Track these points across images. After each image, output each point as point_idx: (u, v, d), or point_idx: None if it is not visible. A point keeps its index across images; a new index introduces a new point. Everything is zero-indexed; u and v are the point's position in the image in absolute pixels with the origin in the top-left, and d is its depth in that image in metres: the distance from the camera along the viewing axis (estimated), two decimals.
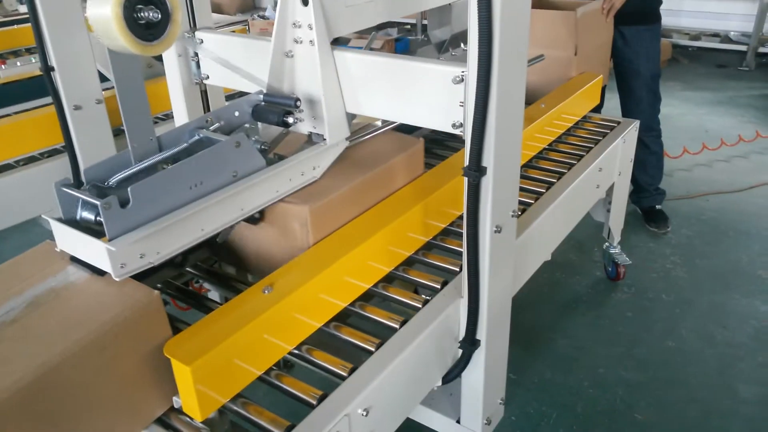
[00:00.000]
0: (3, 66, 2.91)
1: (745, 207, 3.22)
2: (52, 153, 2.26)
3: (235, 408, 1.12)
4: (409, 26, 7.40)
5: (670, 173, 3.51)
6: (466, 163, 1.22)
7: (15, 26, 3.44)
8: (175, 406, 1.11)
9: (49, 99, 2.33)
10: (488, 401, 1.51)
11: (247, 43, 1.58)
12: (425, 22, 6.69)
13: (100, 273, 1.09)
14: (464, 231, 1.29)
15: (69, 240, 1.11)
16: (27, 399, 0.89)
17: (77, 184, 2.23)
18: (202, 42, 1.65)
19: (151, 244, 1.09)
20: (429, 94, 1.29)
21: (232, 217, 1.24)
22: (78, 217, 1.12)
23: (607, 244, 2.57)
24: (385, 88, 1.36)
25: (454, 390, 1.60)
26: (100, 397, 0.99)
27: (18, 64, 3.01)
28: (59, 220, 1.11)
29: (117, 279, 1.05)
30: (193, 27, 1.68)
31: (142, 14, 1.02)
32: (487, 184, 1.24)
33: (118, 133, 2.34)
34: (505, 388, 1.60)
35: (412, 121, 1.37)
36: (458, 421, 1.55)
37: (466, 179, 1.24)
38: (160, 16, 1.04)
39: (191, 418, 1.09)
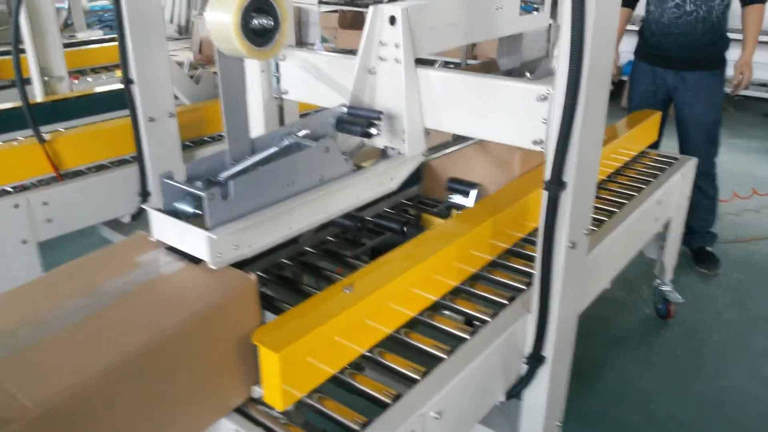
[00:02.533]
0: (76, 81, 3.06)
1: None
2: (120, 163, 2.36)
3: (311, 402, 1.15)
4: (452, 65, 7.52)
5: (720, 217, 3.48)
6: (547, 177, 1.25)
7: (83, 47, 3.63)
8: (254, 396, 1.14)
9: (117, 113, 2.46)
10: (548, 422, 1.51)
11: (329, 60, 1.65)
12: (470, 61, 6.81)
13: (195, 262, 1.14)
14: (539, 244, 1.31)
15: (167, 230, 1.17)
16: (111, 383, 0.91)
17: (144, 192, 2.34)
18: (284, 58, 1.73)
19: (246, 236, 1.14)
20: (511, 112, 1.34)
21: (316, 218, 1.29)
22: (176, 209, 1.18)
23: (658, 281, 2.56)
24: (466, 105, 1.41)
25: (511, 412, 1.60)
26: (184, 384, 1.02)
27: (89, 80, 3.17)
28: (159, 210, 1.17)
29: (214, 267, 1.10)
30: None
31: (256, 21, 1.09)
32: (566, 199, 1.27)
33: (184, 147, 2.44)
34: (563, 411, 1.59)
35: (491, 137, 1.41)
36: None
37: (545, 193, 1.27)
38: (273, 23, 1.11)
39: (269, 409, 1.12)
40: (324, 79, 1.67)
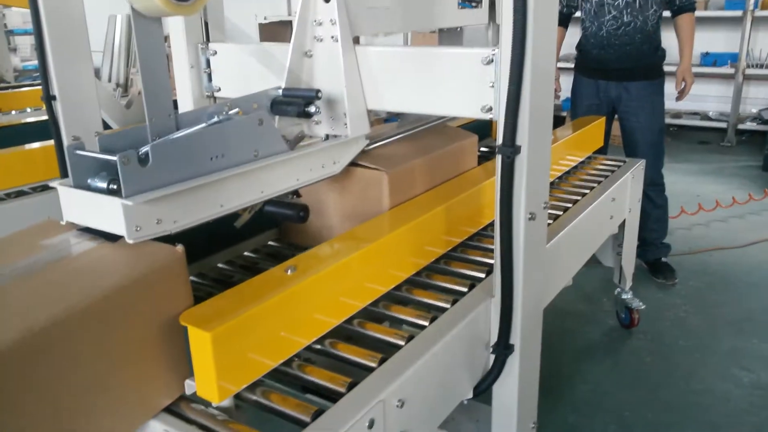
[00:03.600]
0: None
1: (749, 260, 3.18)
2: (43, 188, 2.17)
3: (254, 398, 0.99)
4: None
5: (671, 232, 3.49)
6: (500, 141, 1.17)
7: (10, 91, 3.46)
8: (187, 392, 0.97)
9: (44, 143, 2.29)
10: (522, 421, 1.37)
11: (262, 50, 1.56)
12: None
13: (113, 240, 0.99)
14: (497, 218, 1.21)
15: (78, 207, 1.02)
16: (8, 363, 0.76)
17: None
18: (215, 53, 1.63)
19: (169, 209, 1.00)
20: (456, 81, 1.26)
21: (251, 197, 1.16)
22: (88, 185, 1.03)
23: (618, 290, 2.50)
24: (409, 80, 1.33)
25: (481, 417, 1.46)
26: (98, 374, 0.86)
27: (13, 113, 3.01)
28: (69, 185, 1.02)
29: (130, 241, 0.95)
30: (207, 39, 1.66)
31: None
32: (521, 163, 1.18)
33: None
34: (537, 409, 1.46)
35: (438, 111, 1.33)
36: None
37: (499, 158, 1.18)
38: None
39: (205, 406, 0.96)
40: (259, 73, 1.58)
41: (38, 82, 4.12)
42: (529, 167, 1.19)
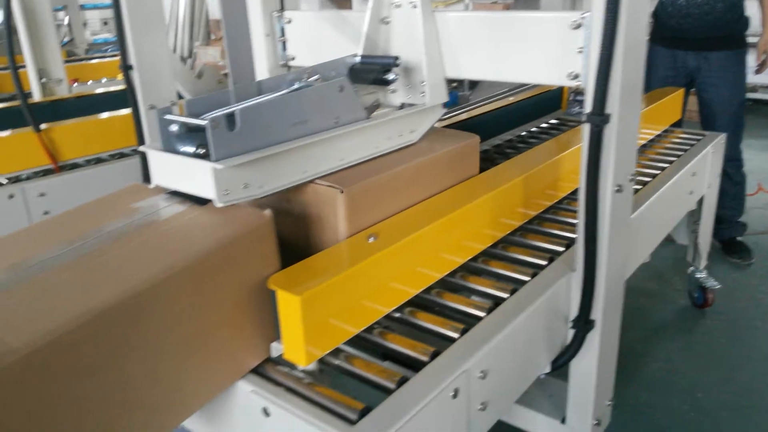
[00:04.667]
0: (74, 84, 2.97)
1: None
2: (119, 156, 2.24)
3: (338, 363, 1.00)
4: (456, 83, 7.48)
5: (747, 210, 3.33)
6: (588, 109, 1.12)
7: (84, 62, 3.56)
8: (273, 355, 0.99)
9: (116, 112, 2.35)
10: (599, 398, 1.34)
11: (337, 17, 1.54)
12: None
13: (201, 204, 1.01)
14: (581, 189, 1.17)
15: (167, 170, 1.04)
16: (105, 326, 0.77)
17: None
18: (290, 21, 1.63)
19: (256, 174, 1.01)
20: (541, 46, 1.22)
21: (331, 165, 1.15)
22: (176, 150, 1.05)
23: (692, 268, 2.40)
24: (490, 46, 1.29)
25: (554, 392, 1.44)
26: (192, 335, 0.88)
27: (88, 84, 3.10)
28: (158, 149, 1.04)
29: (219, 205, 0.96)
30: (282, 8, 1.66)
31: None
32: (610, 133, 1.13)
33: None
34: (613, 387, 1.43)
35: (520, 78, 1.29)
36: (563, 421, 1.38)
37: (587, 127, 1.14)
38: None
39: (291, 369, 0.97)
40: (333, 40, 1.56)
41: (109, 54, 4.26)
42: (618, 137, 1.14)
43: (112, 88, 2.66)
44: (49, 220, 1.04)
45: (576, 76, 1.19)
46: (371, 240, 1.07)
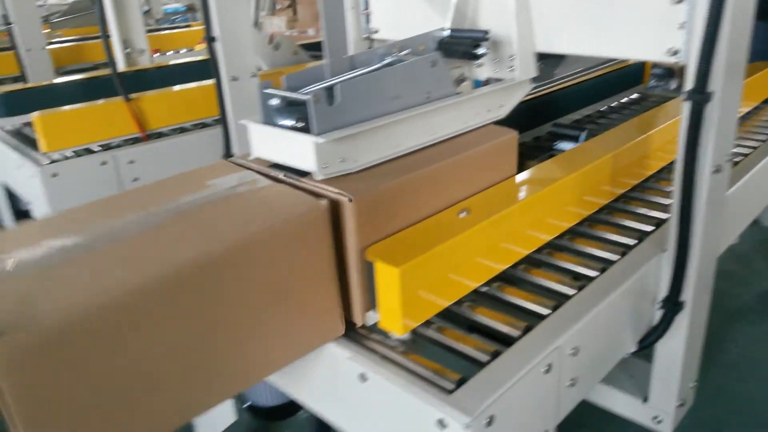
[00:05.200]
0: (156, 55, 3.08)
1: None
2: (201, 126, 2.32)
3: (430, 334, 1.02)
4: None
5: None
6: (690, 86, 1.09)
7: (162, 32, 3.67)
8: (368, 323, 1.02)
9: (196, 83, 2.42)
10: (684, 380, 1.32)
11: None
12: None
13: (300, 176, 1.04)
14: (678, 168, 1.14)
15: (268, 143, 1.07)
16: (186, 283, 0.79)
17: (228, 154, 2.30)
18: None
19: (353, 148, 1.03)
20: (639, 21, 1.18)
21: (423, 140, 1.16)
22: (276, 123, 1.08)
23: None
24: (583, 20, 1.26)
25: (636, 372, 1.43)
26: (282, 296, 0.91)
27: (168, 54, 3.19)
28: (258, 122, 1.07)
29: (320, 177, 0.99)
30: None
31: None
32: (711, 112, 1.10)
33: None
34: (698, 369, 1.40)
35: (615, 54, 1.25)
36: (645, 400, 1.37)
37: (687, 105, 1.10)
38: None
39: (384, 337, 1.00)
40: (417, 14, 1.55)
41: (181, 24, 4.35)
42: (719, 116, 1.10)
43: (191, 59, 2.73)
44: (132, 190, 1.09)
45: (675, 53, 1.15)
46: (462, 215, 1.08)
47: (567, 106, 2.04)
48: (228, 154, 2.26)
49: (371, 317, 1.01)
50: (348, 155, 1.02)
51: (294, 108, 1.05)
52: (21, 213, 2.61)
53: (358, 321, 1.01)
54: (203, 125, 2.30)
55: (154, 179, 2.20)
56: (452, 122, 1.21)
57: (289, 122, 1.06)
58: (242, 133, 2.26)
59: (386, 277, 0.93)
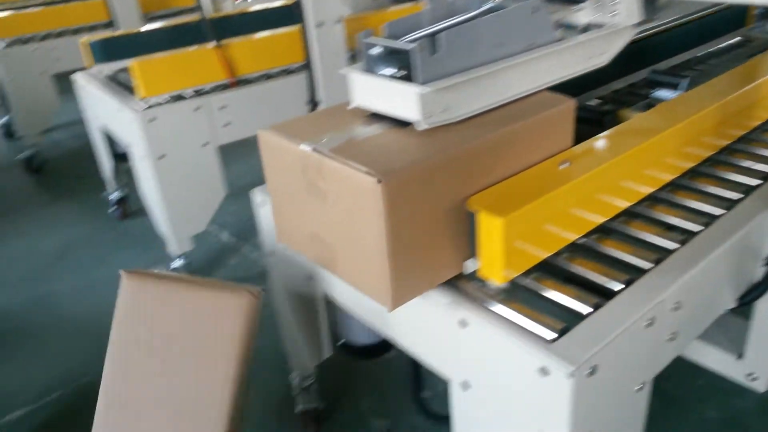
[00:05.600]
0: (238, 1, 3.11)
1: None
2: (286, 72, 2.35)
3: (528, 284, 1.03)
4: None
5: None
6: None
7: None
8: (466, 271, 1.04)
9: (279, 30, 2.43)
10: None
11: None
12: None
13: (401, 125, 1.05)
14: None
15: (368, 92, 1.08)
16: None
17: (313, 101, 2.33)
18: None
19: (456, 97, 1.03)
20: None
21: (525, 88, 1.14)
22: (377, 72, 1.08)
23: None
24: None
25: (731, 328, 1.41)
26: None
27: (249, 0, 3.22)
28: (359, 71, 1.08)
29: (423, 127, 1.00)
30: None
31: None
32: None
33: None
34: None
35: None
36: (739, 357, 1.35)
37: None
38: None
39: (481, 284, 1.02)
40: None
41: None
42: None
43: (273, 5, 2.74)
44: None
45: None
46: (563, 166, 1.07)
47: (664, 51, 1.94)
48: (313, 100, 2.28)
49: (469, 265, 1.03)
50: (451, 104, 1.02)
51: (395, 56, 1.05)
52: (118, 155, 2.75)
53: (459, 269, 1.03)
54: (287, 71, 2.32)
55: (243, 126, 2.27)
56: (554, 69, 1.19)
57: (390, 71, 1.07)
58: (328, 80, 2.28)
59: (489, 227, 0.94)
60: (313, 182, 1.02)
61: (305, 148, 1.02)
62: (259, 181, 1.24)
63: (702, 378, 1.56)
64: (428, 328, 1.07)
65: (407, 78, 1.02)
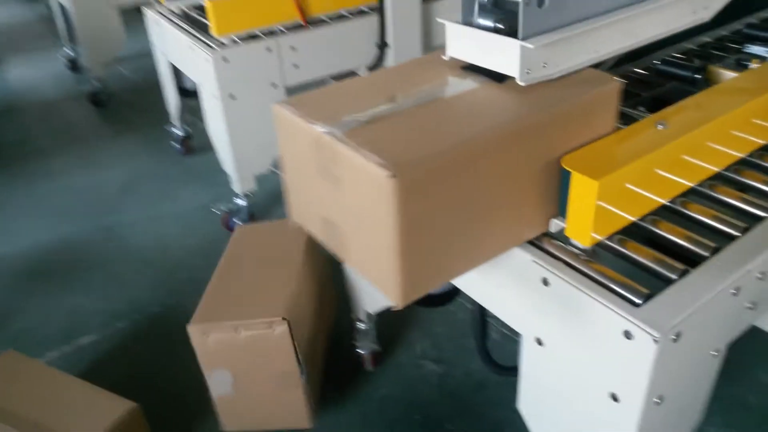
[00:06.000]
0: None
1: None
2: (358, 14, 2.32)
3: (614, 246, 1.03)
4: None
5: None
6: None
7: None
8: (552, 230, 1.05)
9: None
10: None
11: None
12: None
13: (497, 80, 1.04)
14: None
15: (465, 44, 1.07)
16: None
17: (383, 43, 2.30)
18: None
19: (555, 53, 1.01)
20: None
21: (624, 44, 1.11)
22: (474, 23, 1.07)
23: None
24: None
25: None
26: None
27: None
28: (456, 22, 1.07)
29: (522, 83, 0.98)
30: None
31: None
32: None
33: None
34: None
35: None
36: None
37: None
38: None
39: (564, 243, 1.03)
40: None
41: None
42: None
43: None
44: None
45: None
46: (660, 127, 1.05)
47: (759, 2, 1.84)
48: (382, 42, 2.26)
49: (554, 224, 1.04)
50: (550, 60, 1.01)
51: (496, 8, 1.03)
52: (182, 90, 2.79)
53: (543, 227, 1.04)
54: (360, 12, 2.30)
55: (312, 67, 2.27)
56: (655, 25, 1.15)
57: (488, 23, 1.05)
58: (398, 23, 2.25)
59: (583, 188, 0.94)
60: (327, 166, 0.94)
61: (319, 129, 0.93)
62: None
63: (759, 341, 1.55)
64: (507, 284, 1.09)
65: (506, 31, 1.00)
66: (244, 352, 1.50)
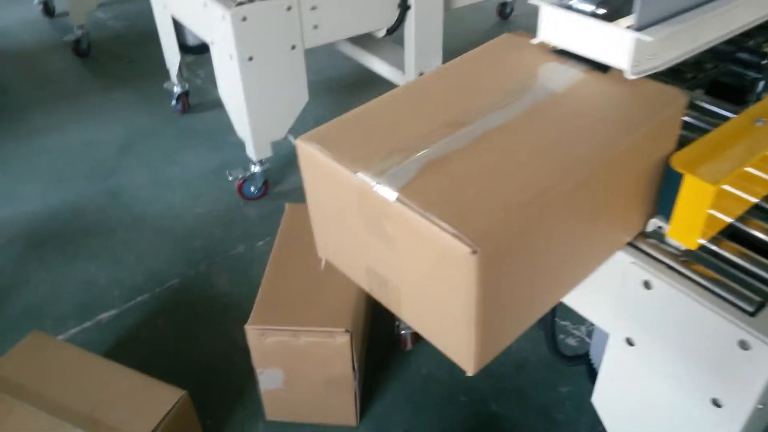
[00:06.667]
0: None
1: None
2: None
3: (714, 249, 1.00)
4: None
5: None
6: None
7: None
8: (648, 229, 1.01)
9: None
10: None
11: None
12: None
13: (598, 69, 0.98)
14: None
15: (562, 29, 1.00)
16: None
17: (404, 5, 2.19)
18: None
19: (663, 44, 0.95)
20: None
21: (719, 33, 1.06)
22: (572, 7, 0.99)
23: None
24: None
25: None
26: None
27: None
28: (553, 3, 0.99)
29: (631, 77, 0.93)
30: None
31: None
32: None
33: None
34: None
35: None
36: None
37: None
38: None
39: (658, 242, 0.99)
40: None
41: None
42: None
43: None
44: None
45: None
46: (759, 124, 1.01)
47: None
48: (404, 3, 2.16)
49: (653, 224, 1.00)
50: (658, 51, 0.95)
51: None
52: (186, 47, 2.64)
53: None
54: None
55: (332, 28, 2.17)
56: (748, 14, 1.09)
57: (587, 6, 0.98)
58: None
59: (696, 191, 0.90)
60: (375, 221, 0.77)
61: (366, 179, 0.74)
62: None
63: None
64: (599, 283, 1.05)
65: (607, 15, 0.94)
66: (301, 356, 1.48)
